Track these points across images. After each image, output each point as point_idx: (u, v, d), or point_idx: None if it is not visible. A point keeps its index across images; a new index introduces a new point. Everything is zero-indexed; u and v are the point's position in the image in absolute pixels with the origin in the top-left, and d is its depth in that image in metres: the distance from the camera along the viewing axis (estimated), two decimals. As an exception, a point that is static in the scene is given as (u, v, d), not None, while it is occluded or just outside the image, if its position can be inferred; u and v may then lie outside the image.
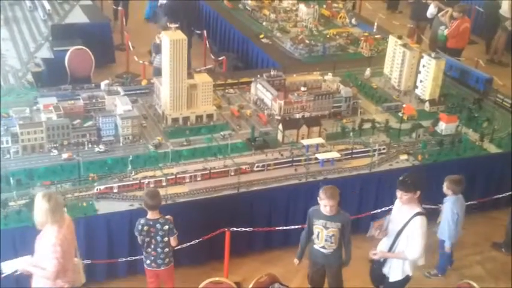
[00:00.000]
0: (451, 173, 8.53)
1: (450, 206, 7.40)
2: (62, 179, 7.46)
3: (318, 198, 6.41)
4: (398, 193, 6.28)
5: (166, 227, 6.43)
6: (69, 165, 7.71)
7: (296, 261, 6.83)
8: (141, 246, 6.58)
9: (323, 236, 6.50)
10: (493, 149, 8.90)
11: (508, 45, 14.96)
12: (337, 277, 6.84)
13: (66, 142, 8.08)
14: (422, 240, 6.19)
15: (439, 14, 12.91)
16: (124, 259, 7.08)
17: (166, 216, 6.53)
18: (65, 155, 7.89)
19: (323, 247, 6.57)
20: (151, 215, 6.45)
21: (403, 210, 6.31)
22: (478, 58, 12.63)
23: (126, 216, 7.11)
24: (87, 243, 7.00)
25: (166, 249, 6.56)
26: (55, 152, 7.97)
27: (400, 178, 6.27)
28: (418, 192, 6.23)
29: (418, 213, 6.20)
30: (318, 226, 6.50)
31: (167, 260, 6.62)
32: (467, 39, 12.86)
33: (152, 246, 6.51)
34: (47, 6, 13.23)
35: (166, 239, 6.48)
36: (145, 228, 6.40)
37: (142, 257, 6.69)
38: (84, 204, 7.13)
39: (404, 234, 6.25)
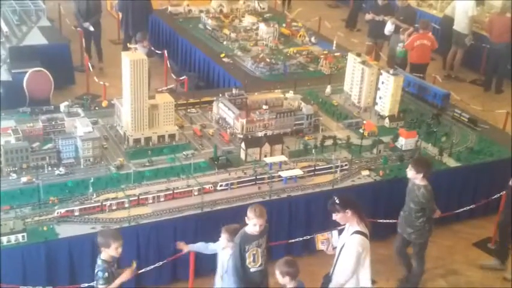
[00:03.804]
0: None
1: None
2: (22, 203, 7.31)
3: (246, 218, 6.21)
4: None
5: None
6: (28, 189, 7.56)
7: None
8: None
9: (259, 255, 6.32)
10: (452, 162, 9.06)
11: (464, 60, 15.31)
12: None
13: (25, 165, 7.93)
14: (351, 260, 6.03)
15: (400, 30, 13.13)
16: (87, 284, 6.93)
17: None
18: (24, 179, 7.74)
19: (260, 265, 6.38)
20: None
21: (347, 229, 6.25)
22: (435, 74, 12.90)
23: (88, 239, 6.97)
24: (49, 268, 6.86)
25: None
26: (14, 175, 7.82)
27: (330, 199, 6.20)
28: (349, 211, 6.07)
29: (354, 232, 6.09)
30: (253, 249, 6.28)
31: None
32: (428, 55, 13.04)
33: None
34: (4, 28, 13.04)
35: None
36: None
37: None
38: (45, 228, 6.98)
39: (343, 252, 6.16)
